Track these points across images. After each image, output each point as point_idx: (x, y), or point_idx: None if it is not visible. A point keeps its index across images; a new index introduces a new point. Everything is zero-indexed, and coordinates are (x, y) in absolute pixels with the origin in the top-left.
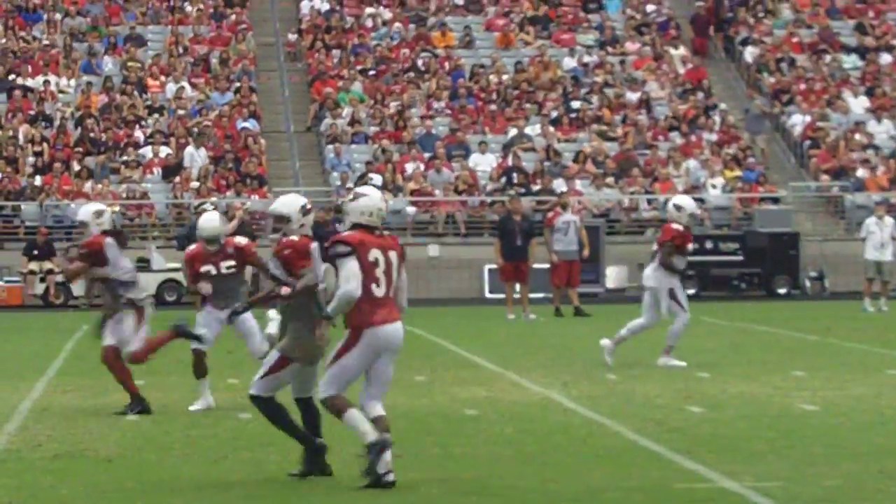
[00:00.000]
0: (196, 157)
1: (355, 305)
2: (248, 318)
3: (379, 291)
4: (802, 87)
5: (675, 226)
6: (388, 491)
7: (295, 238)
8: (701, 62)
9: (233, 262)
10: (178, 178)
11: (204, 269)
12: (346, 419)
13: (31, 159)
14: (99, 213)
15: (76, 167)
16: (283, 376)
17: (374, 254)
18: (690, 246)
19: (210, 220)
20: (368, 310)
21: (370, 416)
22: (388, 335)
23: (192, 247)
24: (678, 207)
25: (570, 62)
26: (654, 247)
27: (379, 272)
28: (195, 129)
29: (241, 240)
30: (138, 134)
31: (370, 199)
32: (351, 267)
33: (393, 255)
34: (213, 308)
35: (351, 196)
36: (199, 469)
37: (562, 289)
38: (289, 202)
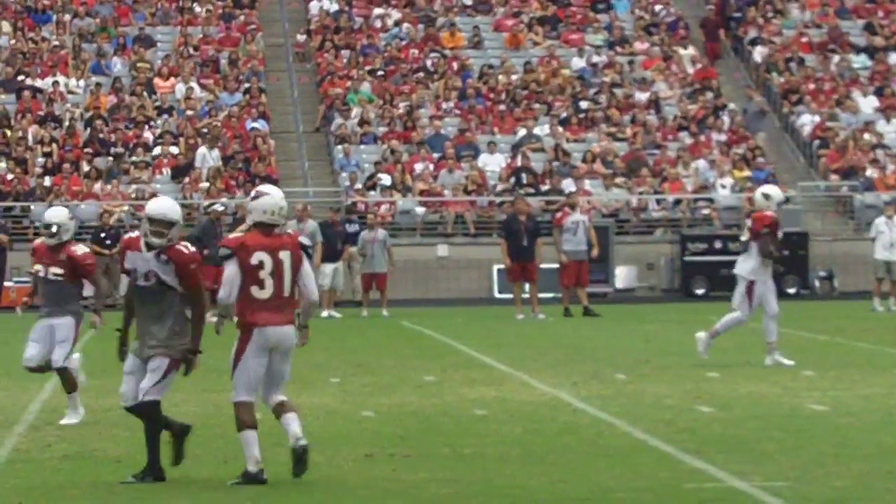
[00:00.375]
0: (208, 158)
1: (240, 307)
2: (69, 325)
3: (262, 294)
4: (811, 86)
5: (766, 213)
6: (397, 491)
7: (188, 246)
8: (711, 63)
9: (61, 271)
10: (187, 179)
11: (36, 267)
12: (241, 437)
13: (40, 160)
14: None
15: (85, 168)
16: (172, 378)
17: (259, 257)
18: (779, 234)
19: (55, 208)
20: (251, 311)
21: (273, 404)
22: (275, 336)
23: (40, 239)
24: (766, 196)
25: (578, 62)
26: (744, 237)
27: (264, 274)
28: (205, 130)
29: (79, 249)
30: (147, 135)
31: (271, 198)
32: (229, 272)
33: (285, 254)
34: (44, 316)
35: (253, 194)
36: (207, 469)
37: (571, 289)
38: (174, 208)
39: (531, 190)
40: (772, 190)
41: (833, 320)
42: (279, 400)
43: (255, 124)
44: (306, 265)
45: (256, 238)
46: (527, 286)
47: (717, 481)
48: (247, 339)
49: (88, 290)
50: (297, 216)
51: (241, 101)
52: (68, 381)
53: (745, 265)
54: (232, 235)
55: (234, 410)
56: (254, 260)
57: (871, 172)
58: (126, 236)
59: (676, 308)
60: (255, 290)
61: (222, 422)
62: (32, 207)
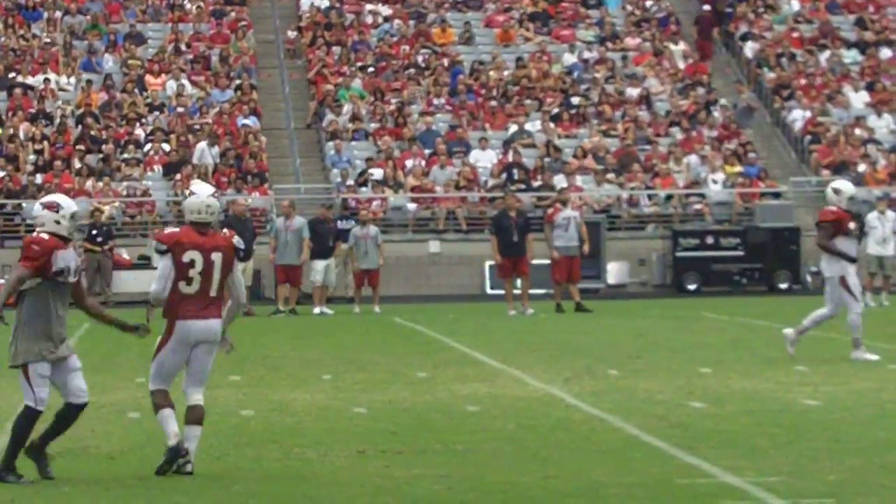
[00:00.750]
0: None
1: (169, 300)
2: None
3: (189, 290)
4: (803, 82)
5: (829, 208)
6: (389, 488)
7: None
8: (702, 59)
9: None
10: (178, 176)
11: None
12: (158, 416)
13: (31, 157)
14: None
15: (77, 165)
16: None
17: (191, 255)
18: (852, 225)
19: None
20: (177, 305)
21: (188, 403)
22: (198, 329)
23: None
24: (836, 191)
25: (570, 58)
26: None
27: (193, 272)
28: (197, 127)
29: None
30: (139, 131)
31: (197, 198)
32: (163, 267)
33: (217, 255)
34: None
35: (187, 193)
36: (201, 466)
37: (563, 285)
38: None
39: (522, 186)
40: (842, 185)
41: None
42: (193, 402)
43: (246, 121)
44: (236, 268)
45: (192, 236)
46: (518, 282)
47: (710, 477)
48: (169, 333)
49: None
50: (284, 212)
51: (232, 98)
52: None
53: (826, 265)
54: (167, 231)
55: (151, 397)
56: (186, 258)
57: (862, 167)
58: (43, 238)
59: (668, 303)
60: (182, 286)
61: (214, 420)
62: (24, 205)
